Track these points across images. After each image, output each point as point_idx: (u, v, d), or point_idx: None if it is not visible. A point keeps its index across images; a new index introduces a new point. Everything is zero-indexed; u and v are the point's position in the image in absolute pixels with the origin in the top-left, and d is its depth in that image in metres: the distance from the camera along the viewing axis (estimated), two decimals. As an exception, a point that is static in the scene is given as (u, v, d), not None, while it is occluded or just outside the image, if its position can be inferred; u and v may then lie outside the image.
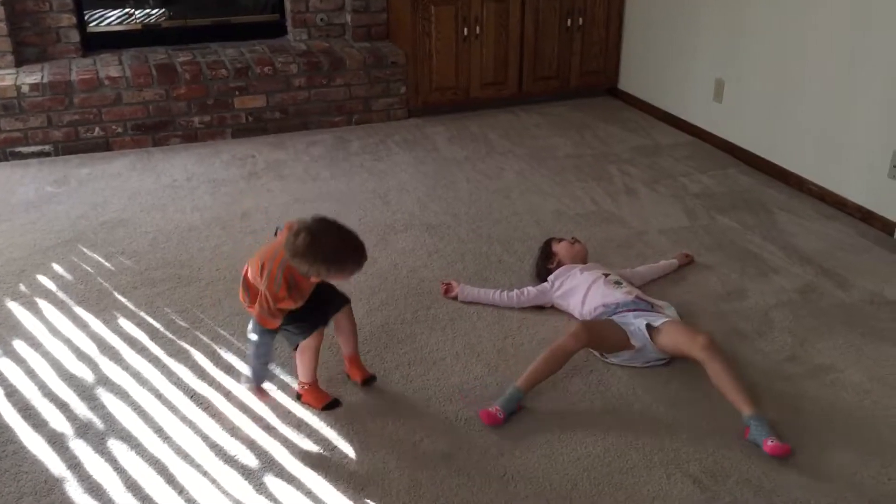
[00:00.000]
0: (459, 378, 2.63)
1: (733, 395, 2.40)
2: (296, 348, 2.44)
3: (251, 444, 2.35)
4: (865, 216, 3.72)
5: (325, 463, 2.28)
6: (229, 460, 2.29)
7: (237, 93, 4.70)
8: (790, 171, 4.13)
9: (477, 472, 2.23)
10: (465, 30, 4.95)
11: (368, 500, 2.15)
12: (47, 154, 4.47)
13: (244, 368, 2.61)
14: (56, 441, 2.35)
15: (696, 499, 2.15)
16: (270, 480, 2.22)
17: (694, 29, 4.71)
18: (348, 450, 2.33)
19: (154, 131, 4.63)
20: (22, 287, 3.15)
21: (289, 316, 2.35)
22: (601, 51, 5.35)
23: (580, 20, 5.19)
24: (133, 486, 2.19)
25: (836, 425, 2.44)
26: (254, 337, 2.37)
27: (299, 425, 2.43)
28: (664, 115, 5.03)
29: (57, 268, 3.31)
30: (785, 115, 4.13)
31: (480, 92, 5.15)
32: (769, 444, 2.27)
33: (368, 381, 2.58)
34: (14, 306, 3.02)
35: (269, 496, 2.17)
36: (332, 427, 2.42)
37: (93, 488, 2.18)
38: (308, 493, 2.18)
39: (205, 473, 2.24)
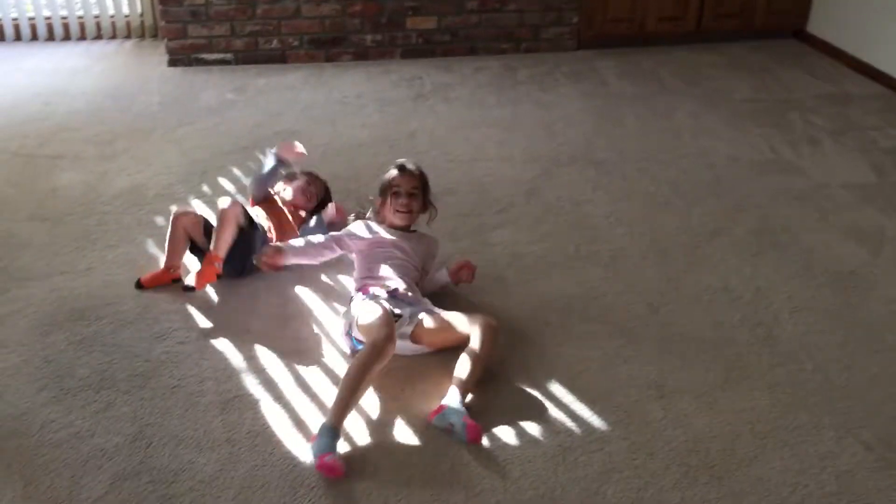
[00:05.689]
0: (619, 315, 2.60)
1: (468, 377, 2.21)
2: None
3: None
4: None
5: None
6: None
7: (410, 13, 4.71)
8: None
9: (631, 418, 2.21)
10: (648, -41, 4.73)
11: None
12: (227, 62, 4.66)
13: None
14: (238, 335, 2.49)
15: (867, 466, 2.05)
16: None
17: (903, -31, 4.31)
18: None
19: (327, 47, 4.73)
20: (205, 187, 3.33)
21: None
22: (792, -12, 5.00)
23: (773, -46, 4.86)
24: (304, 386, 2.30)
25: None
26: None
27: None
28: (856, 62, 4.67)
29: (236, 171, 3.47)
30: None
31: (656, 26, 4.94)
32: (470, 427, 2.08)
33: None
34: (198, 204, 3.20)
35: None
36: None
37: (266, 381, 2.31)
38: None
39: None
